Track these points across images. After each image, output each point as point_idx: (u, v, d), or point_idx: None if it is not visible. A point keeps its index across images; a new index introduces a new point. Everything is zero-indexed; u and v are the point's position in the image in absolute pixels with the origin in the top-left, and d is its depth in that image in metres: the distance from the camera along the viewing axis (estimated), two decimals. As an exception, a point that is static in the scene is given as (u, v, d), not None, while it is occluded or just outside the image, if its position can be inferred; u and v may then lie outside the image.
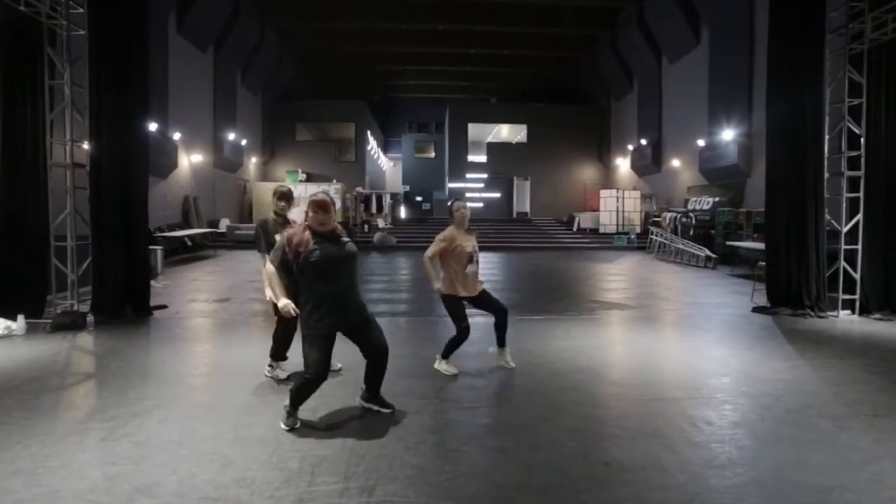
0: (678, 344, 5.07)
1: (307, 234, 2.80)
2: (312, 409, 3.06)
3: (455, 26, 19.19)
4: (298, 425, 2.87)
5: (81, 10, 5.62)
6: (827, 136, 6.43)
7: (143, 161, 6.17)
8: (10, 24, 5.34)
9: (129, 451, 2.55)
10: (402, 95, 29.43)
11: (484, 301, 3.89)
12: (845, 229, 6.41)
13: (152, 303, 6.40)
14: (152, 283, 8.92)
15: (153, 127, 12.56)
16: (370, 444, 2.67)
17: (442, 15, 18.46)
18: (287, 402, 2.90)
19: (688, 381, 3.76)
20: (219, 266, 11.86)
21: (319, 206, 2.80)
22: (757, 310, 6.77)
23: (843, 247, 6.42)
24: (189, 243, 13.85)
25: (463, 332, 3.78)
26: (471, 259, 3.78)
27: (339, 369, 3.83)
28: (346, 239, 2.92)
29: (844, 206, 6.42)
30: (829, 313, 6.35)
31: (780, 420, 3.04)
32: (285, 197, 3.70)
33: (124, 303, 5.84)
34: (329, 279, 2.81)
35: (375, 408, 3.09)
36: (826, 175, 6.44)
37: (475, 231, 3.97)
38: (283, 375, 3.73)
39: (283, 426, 2.86)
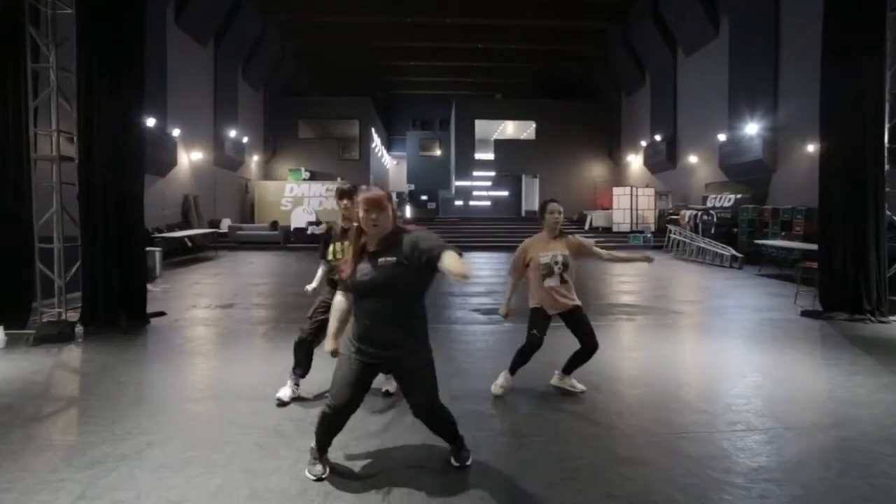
0: (740, 356, 4.47)
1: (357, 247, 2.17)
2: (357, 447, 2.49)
3: (462, 19, 18.62)
4: (327, 474, 2.30)
5: (68, -14, 5.06)
6: (888, 125, 5.87)
7: (138, 154, 5.58)
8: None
9: (112, 515, 1.97)
10: (405, 92, 28.84)
11: (572, 323, 3.31)
12: (909, 226, 5.85)
13: (149, 309, 5.83)
14: (150, 287, 8.37)
15: (151, 123, 11.98)
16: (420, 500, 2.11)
17: (448, 8, 17.89)
18: (314, 442, 2.34)
19: (781, 410, 3.18)
20: (221, 268, 11.29)
21: (370, 204, 2.10)
22: (807, 314, 6.20)
23: (907, 245, 5.86)
24: (189, 244, 13.27)
25: (529, 340, 3.27)
26: (550, 272, 3.21)
27: (387, 392, 3.30)
28: (390, 259, 2.12)
29: (907, 200, 5.87)
30: (892, 318, 5.79)
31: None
32: (346, 194, 3.05)
33: (118, 311, 5.26)
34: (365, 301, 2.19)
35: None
36: (887, 167, 5.88)
37: (567, 236, 3.35)
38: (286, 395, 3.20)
39: (308, 476, 2.29)
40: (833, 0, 6.03)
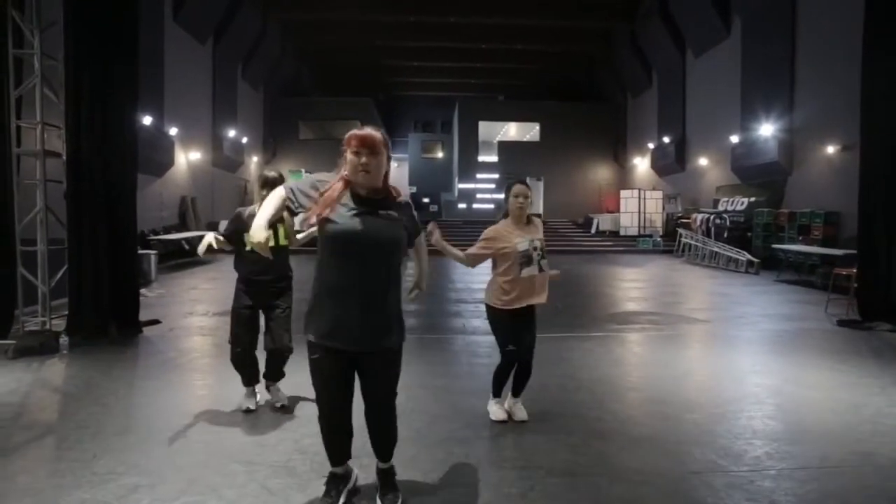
0: (779, 372, 4.07)
1: (339, 187, 1.84)
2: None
3: (465, 19, 18.28)
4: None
5: (55, -33, 4.66)
6: (934, 123, 5.52)
7: (131, 150, 5.17)
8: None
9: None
10: (407, 93, 28.49)
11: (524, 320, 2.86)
12: (957, 231, 5.48)
13: (143, 317, 5.41)
14: (145, 292, 7.96)
15: (148, 121, 11.59)
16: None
17: (451, 7, 17.55)
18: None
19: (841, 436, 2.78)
20: (219, 272, 10.85)
21: (361, 143, 1.79)
22: (844, 323, 5.83)
23: (955, 251, 5.48)
24: (187, 247, 12.82)
25: (507, 356, 2.84)
26: (529, 260, 2.75)
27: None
28: (392, 213, 1.88)
29: (955, 203, 5.50)
30: (938, 329, 5.41)
31: None
32: (269, 183, 2.87)
33: (107, 320, 4.84)
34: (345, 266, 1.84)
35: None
36: (933, 168, 5.52)
37: (535, 219, 2.95)
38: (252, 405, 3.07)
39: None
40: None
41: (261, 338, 3.10)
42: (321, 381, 1.91)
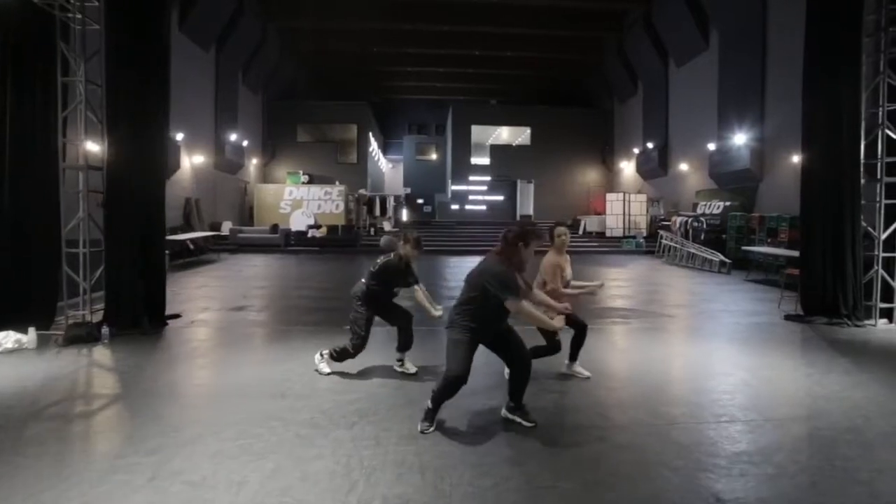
0: (727, 357, 4.84)
1: None
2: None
3: (459, 27, 18.98)
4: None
5: (97, 3, 5.32)
6: (864, 141, 6.31)
7: (161, 163, 5.87)
8: (21, 18, 5.02)
9: (186, 495, 2.27)
10: (402, 97, 29.16)
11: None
12: (883, 236, 6.28)
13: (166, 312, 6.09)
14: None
15: (156, 127, 12.20)
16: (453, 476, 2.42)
17: (446, 15, 18.24)
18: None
19: (764, 403, 3.55)
20: (225, 271, 11.52)
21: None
22: (790, 318, 6.61)
23: (882, 254, 6.28)
24: (191, 247, 13.45)
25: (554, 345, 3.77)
26: (567, 284, 3.84)
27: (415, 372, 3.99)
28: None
29: (882, 212, 6.29)
30: (867, 322, 6.21)
31: None
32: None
33: (140, 313, 5.53)
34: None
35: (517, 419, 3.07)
36: (862, 180, 6.31)
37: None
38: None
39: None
40: (814, 20, 6.45)
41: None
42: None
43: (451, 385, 2.91)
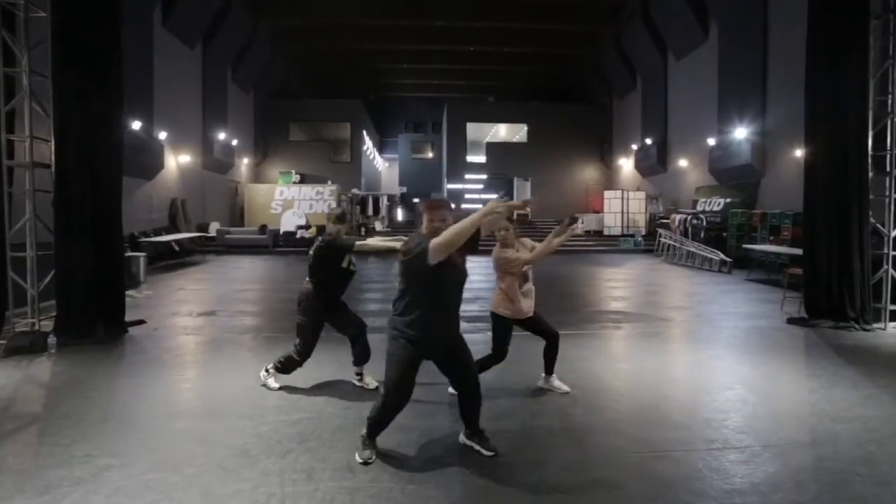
0: (724, 367, 4.43)
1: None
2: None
3: (454, 22, 18.58)
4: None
5: (42, -11, 4.95)
6: (872, 131, 5.88)
7: (117, 160, 5.48)
8: (-43, 4, 4.67)
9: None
10: (397, 95, 28.78)
11: (535, 323, 3.48)
12: (893, 234, 5.85)
13: (129, 317, 5.73)
14: (133, 293, 8.27)
15: (137, 126, 11.87)
16: None
17: (440, 11, 17.85)
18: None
19: (765, 427, 3.14)
20: (208, 273, 11.16)
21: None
22: (793, 321, 6.19)
23: (892, 252, 5.85)
24: (176, 248, 13.11)
25: (500, 356, 3.40)
26: (526, 277, 3.41)
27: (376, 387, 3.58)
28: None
29: (892, 207, 5.86)
30: (875, 325, 5.79)
31: None
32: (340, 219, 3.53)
33: (94, 320, 5.15)
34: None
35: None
36: (870, 173, 5.88)
37: (521, 238, 3.57)
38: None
39: (357, 458, 2.58)
40: (817, 5, 6.03)
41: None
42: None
43: (385, 411, 2.53)
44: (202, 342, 5.28)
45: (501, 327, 3.37)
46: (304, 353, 3.49)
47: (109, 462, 2.53)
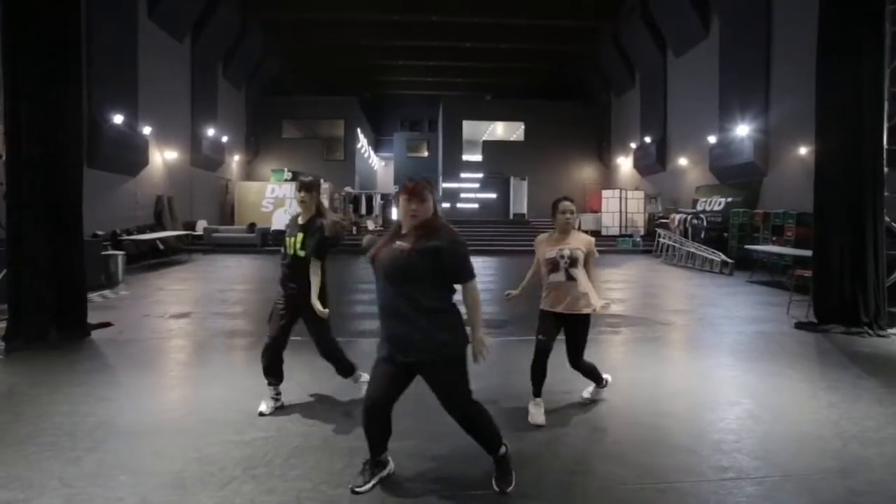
0: (731, 378, 4.05)
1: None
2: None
3: (449, 18, 18.21)
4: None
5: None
6: (886, 125, 5.52)
7: (76, 148, 5.09)
8: None
9: None
10: (393, 92, 28.38)
11: (568, 330, 3.11)
12: (910, 233, 5.49)
13: (96, 319, 5.34)
14: (108, 293, 7.88)
15: (119, 120, 11.45)
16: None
17: (436, 6, 17.47)
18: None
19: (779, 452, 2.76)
20: (192, 272, 10.76)
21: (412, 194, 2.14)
22: (801, 326, 5.82)
23: (907, 254, 5.50)
24: (161, 247, 12.70)
25: (536, 346, 3.05)
26: (556, 267, 2.99)
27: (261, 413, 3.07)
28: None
29: (907, 205, 5.51)
30: (890, 331, 5.42)
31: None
32: (305, 187, 3.13)
33: (47, 323, 4.75)
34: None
35: None
36: (886, 170, 5.53)
37: (581, 233, 3.18)
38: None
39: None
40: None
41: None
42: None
43: (363, 415, 2.22)
44: (169, 347, 4.89)
45: (539, 317, 3.10)
46: (266, 346, 3.11)
47: (13, 496, 2.13)
